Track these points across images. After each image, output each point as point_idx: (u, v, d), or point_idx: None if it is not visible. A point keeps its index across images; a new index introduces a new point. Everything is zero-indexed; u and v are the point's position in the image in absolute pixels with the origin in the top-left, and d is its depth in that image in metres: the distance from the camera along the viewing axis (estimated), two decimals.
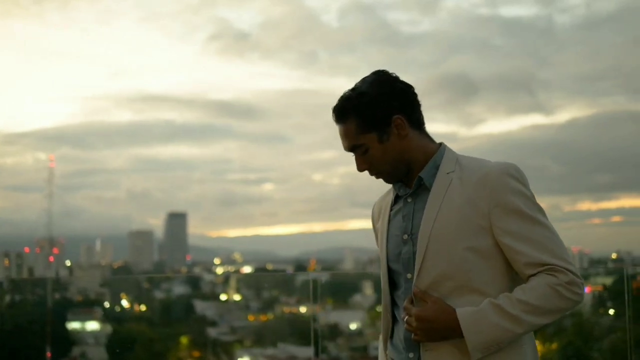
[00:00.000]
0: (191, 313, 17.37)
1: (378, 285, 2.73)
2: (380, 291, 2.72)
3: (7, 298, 11.19)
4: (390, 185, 2.54)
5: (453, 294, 2.26)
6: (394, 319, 2.46)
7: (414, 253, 2.33)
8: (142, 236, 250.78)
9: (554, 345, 9.78)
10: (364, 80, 2.41)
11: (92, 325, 13.82)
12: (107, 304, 15.55)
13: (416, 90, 2.42)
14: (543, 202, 2.32)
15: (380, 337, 2.61)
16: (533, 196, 2.30)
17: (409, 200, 2.41)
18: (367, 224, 2.73)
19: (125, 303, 14.84)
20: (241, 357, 16.97)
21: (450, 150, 2.42)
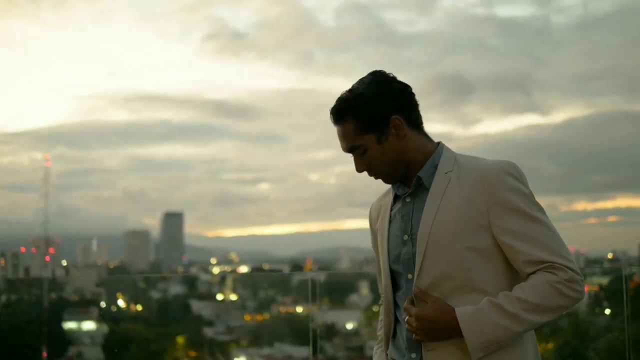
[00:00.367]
0: (187, 313, 17.37)
1: (374, 285, 2.73)
2: (375, 291, 2.72)
3: (3, 298, 11.19)
4: (388, 186, 2.54)
5: (454, 293, 2.25)
6: (396, 320, 2.45)
7: (414, 253, 2.32)
8: (139, 236, 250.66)
9: (550, 345, 9.79)
10: (361, 81, 2.40)
11: (88, 325, 13.83)
12: (103, 304, 15.57)
13: (413, 90, 2.42)
14: (539, 202, 2.32)
15: (378, 336, 2.62)
16: (532, 194, 2.29)
17: (408, 200, 2.40)
18: (363, 224, 2.72)
19: (121, 303, 14.83)
20: (237, 357, 16.96)
21: (448, 149, 2.42)
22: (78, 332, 13.16)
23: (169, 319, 15.00)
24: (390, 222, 2.46)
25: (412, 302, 2.31)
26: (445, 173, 2.34)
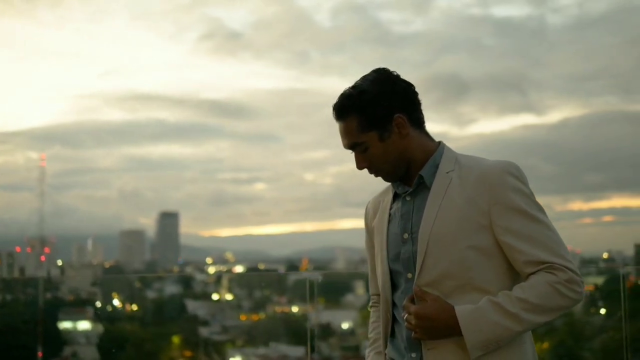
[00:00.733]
0: (183, 312, 17.38)
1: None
2: (370, 291, 2.71)
3: None
4: (385, 184, 2.53)
5: (454, 292, 2.25)
6: (394, 319, 2.44)
7: (414, 252, 2.32)
8: (134, 236, 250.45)
9: (546, 345, 9.81)
10: (364, 78, 2.38)
11: (84, 325, 13.80)
12: (98, 304, 15.54)
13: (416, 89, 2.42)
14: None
15: (370, 339, 2.60)
16: (532, 194, 2.29)
17: (408, 199, 2.40)
18: (359, 223, 2.73)
19: (116, 302, 14.83)
20: (233, 356, 16.96)
21: (449, 149, 2.42)
22: (73, 332, 13.13)
23: (165, 319, 15.01)
24: (389, 220, 2.45)
25: (412, 300, 2.30)
26: (447, 173, 2.33)
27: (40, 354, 8.72)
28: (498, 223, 2.24)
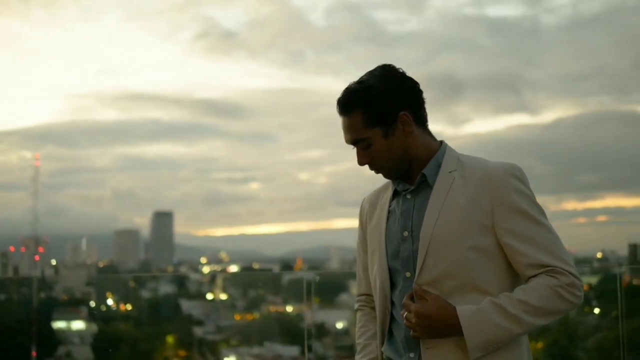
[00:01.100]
0: (177, 312, 17.34)
1: None
2: None
3: None
4: (382, 181, 2.53)
5: (454, 292, 2.25)
6: (391, 318, 2.43)
7: (414, 251, 2.31)
8: (128, 235, 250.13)
9: (539, 345, 9.81)
10: (371, 73, 2.37)
11: (78, 325, 13.78)
12: (92, 303, 15.50)
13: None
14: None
15: (359, 344, 2.59)
16: (534, 197, 2.30)
17: (409, 196, 2.39)
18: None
19: (110, 302, 14.80)
20: (227, 356, 16.94)
21: (451, 148, 2.42)
22: (67, 332, 13.10)
23: (159, 318, 14.97)
24: (387, 217, 2.44)
25: (411, 299, 2.29)
26: (449, 172, 2.33)
27: (34, 353, 8.71)
28: (500, 224, 2.25)
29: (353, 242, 2.68)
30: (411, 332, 2.27)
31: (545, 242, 2.25)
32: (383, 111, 2.32)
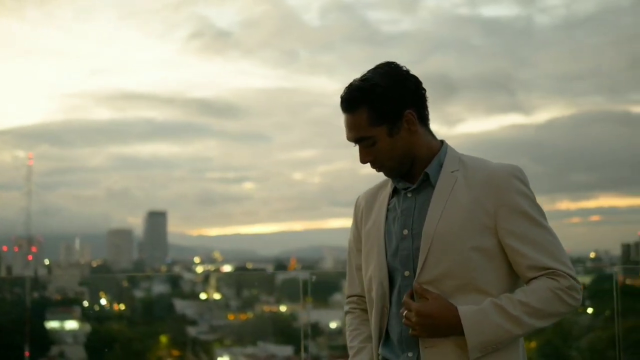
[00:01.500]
0: (171, 312, 17.33)
1: None
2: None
3: None
4: (374, 182, 2.52)
5: (454, 292, 2.24)
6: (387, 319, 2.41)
7: (415, 249, 2.30)
8: (122, 235, 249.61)
9: (533, 344, 9.82)
10: (375, 70, 2.34)
11: (71, 324, 13.76)
12: (86, 303, 15.48)
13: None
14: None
15: (352, 347, 2.53)
16: (535, 198, 2.31)
17: (409, 195, 2.37)
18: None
19: (104, 302, 14.79)
20: (221, 356, 16.95)
21: (452, 148, 2.41)
22: (60, 332, 13.09)
23: (152, 318, 14.97)
24: (386, 216, 2.43)
25: (411, 297, 2.28)
26: (452, 172, 2.32)
27: (27, 353, 8.70)
28: (503, 225, 2.25)
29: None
30: (410, 330, 2.26)
31: (546, 245, 2.26)
32: (389, 109, 2.29)
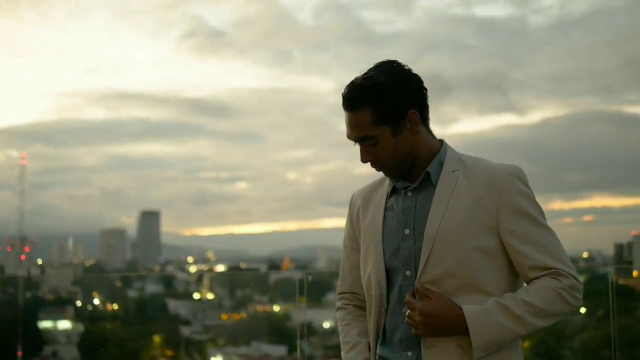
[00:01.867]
0: (164, 312, 17.32)
1: None
2: None
3: None
4: (374, 178, 2.50)
5: (455, 292, 2.23)
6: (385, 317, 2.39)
7: (417, 249, 2.29)
8: (115, 234, 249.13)
9: (526, 344, 9.83)
10: (378, 69, 2.29)
11: (64, 324, 13.74)
12: (79, 303, 15.45)
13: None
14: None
15: (348, 342, 2.51)
16: (535, 199, 2.31)
17: (410, 194, 2.36)
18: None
19: (97, 302, 14.76)
20: (214, 356, 16.93)
21: (451, 148, 2.39)
22: (53, 331, 13.07)
23: (146, 318, 14.95)
24: (384, 215, 2.41)
25: (413, 297, 2.27)
26: (452, 171, 2.31)
27: (20, 353, 8.68)
28: (505, 225, 2.24)
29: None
30: (412, 330, 2.25)
31: (547, 245, 2.26)
32: (393, 109, 2.26)
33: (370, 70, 2.30)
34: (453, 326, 2.18)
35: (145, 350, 12.64)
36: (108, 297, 14.91)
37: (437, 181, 2.31)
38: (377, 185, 2.51)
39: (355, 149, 2.37)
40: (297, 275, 7.40)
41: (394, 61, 2.32)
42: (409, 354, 2.29)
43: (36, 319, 12.03)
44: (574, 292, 2.23)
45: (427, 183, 2.33)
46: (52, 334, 12.80)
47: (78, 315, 14.32)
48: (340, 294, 2.62)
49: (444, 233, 2.24)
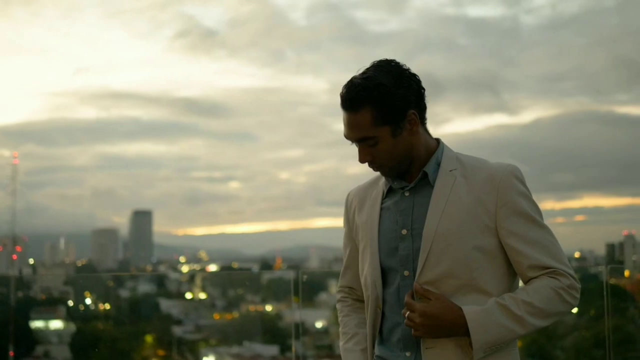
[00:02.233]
0: (156, 311, 17.30)
1: None
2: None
3: None
4: (367, 177, 2.51)
5: (455, 292, 2.23)
6: (383, 318, 2.39)
7: (416, 249, 2.28)
8: (107, 234, 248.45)
9: (519, 344, 9.87)
10: (377, 68, 2.27)
11: (56, 324, 13.72)
12: (71, 303, 15.42)
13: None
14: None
15: (346, 333, 2.53)
16: (533, 198, 2.31)
17: (407, 194, 2.35)
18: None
19: (89, 301, 14.73)
20: (206, 355, 16.93)
21: (448, 147, 2.38)
22: (45, 331, 13.06)
23: (138, 318, 14.92)
24: (380, 214, 2.40)
25: (412, 298, 2.26)
26: (450, 171, 2.30)
27: (11, 353, 8.67)
28: (503, 225, 2.25)
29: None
30: (412, 331, 2.24)
31: (546, 244, 2.26)
32: (394, 110, 2.24)
33: (369, 69, 2.28)
34: (454, 327, 2.18)
35: (137, 350, 12.61)
36: (100, 297, 14.86)
37: (435, 181, 2.30)
38: (372, 184, 2.50)
39: (349, 148, 2.36)
40: (289, 274, 7.40)
41: (393, 60, 2.30)
42: (408, 354, 2.29)
43: (28, 318, 12.01)
44: (572, 292, 2.23)
45: (425, 183, 2.33)
46: (43, 334, 12.79)
47: (70, 315, 14.29)
48: (340, 287, 2.64)
49: (442, 233, 2.24)
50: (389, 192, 2.41)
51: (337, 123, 2.35)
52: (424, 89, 2.33)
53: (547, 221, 2.31)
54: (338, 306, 2.62)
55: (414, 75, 2.31)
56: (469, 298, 2.22)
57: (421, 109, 2.32)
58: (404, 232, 2.31)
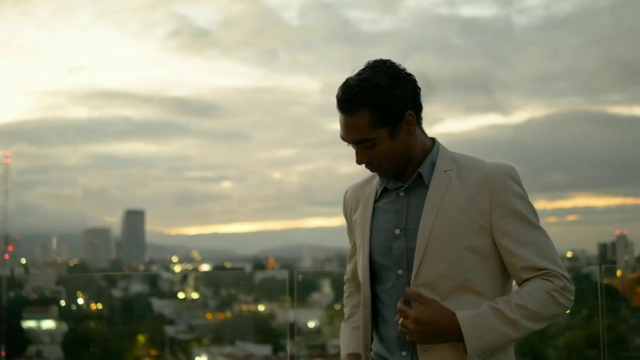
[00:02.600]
0: (149, 311, 17.27)
1: (336, 283, 2.69)
2: (337, 290, 2.67)
3: None
4: (359, 177, 2.50)
5: (451, 293, 2.22)
6: (377, 314, 2.39)
7: (409, 249, 2.27)
8: (99, 234, 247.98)
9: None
10: (373, 69, 2.25)
11: (48, 324, 13.68)
12: (63, 303, 15.37)
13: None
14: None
15: (345, 313, 2.59)
16: (529, 199, 2.30)
17: (402, 194, 2.34)
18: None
19: (81, 301, 14.69)
20: (199, 355, 16.90)
21: (443, 147, 2.38)
22: (37, 331, 13.01)
23: (130, 318, 14.89)
24: (373, 214, 2.39)
25: (405, 303, 2.25)
26: (445, 171, 2.29)
27: (3, 353, 8.64)
28: (498, 226, 2.23)
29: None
30: (407, 337, 2.23)
31: (540, 246, 2.25)
32: (392, 111, 2.23)
33: (364, 70, 2.26)
34: (447, 332, 2.17)
35: (129, 350, 12.59)
36: (92, 297, 14.81)
37: (430, 181, 2.29)
38: (366, 182, 2.50)
39: (342, 148, 2.38)
40: (282, 274, 7.39)
41: (388, 60, 2.28)
42: (404, 353, 2.29)
43: (20, 318, 11.97)
44: (565, 293, 2.22)
45: (419, 183, 2.32)
46: (35, 334, 12.74)
47: (62, 315, 14.25)
48: (347, 271, 2.68)
49: (437, 233, 2.23)
50: (384, 192, 2.40)
51: (330, 123, 2.37)
52: (419, 89, 2.32)
53: (539, 221, 2.30)
54: (344, 288, 2.66)
55: (410, 75, 2.29)
56: (464, 299, 2.22)
57: (418, 109, 2.31)
58: (398, 231, 2.31)
